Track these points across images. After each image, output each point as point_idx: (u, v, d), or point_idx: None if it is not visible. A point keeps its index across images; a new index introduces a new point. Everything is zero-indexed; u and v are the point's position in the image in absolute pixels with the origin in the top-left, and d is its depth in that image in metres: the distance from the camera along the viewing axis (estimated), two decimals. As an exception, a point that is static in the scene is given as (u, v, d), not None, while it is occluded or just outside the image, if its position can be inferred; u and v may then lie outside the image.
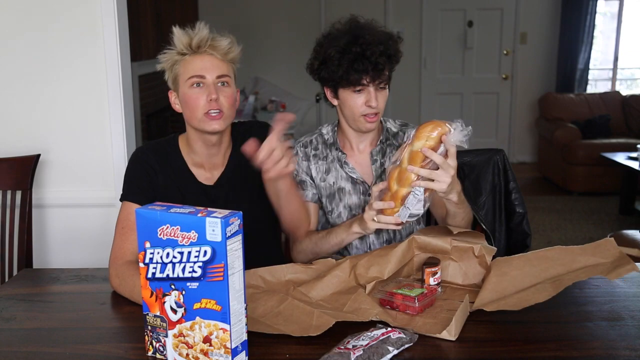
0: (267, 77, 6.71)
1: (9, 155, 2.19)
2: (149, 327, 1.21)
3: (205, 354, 1.15)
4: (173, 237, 1.13)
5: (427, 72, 6.81)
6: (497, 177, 2.03)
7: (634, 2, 6.77)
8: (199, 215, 1.10)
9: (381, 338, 1.18)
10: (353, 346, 1.14)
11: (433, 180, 1.42)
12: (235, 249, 1.11)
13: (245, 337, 1.16)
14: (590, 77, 6.69)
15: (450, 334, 1.23)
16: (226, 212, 1.11)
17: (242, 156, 1.68)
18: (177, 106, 1.67)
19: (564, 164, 5.73)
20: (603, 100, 6.27)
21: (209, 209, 1.14)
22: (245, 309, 1.16)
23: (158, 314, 1.19)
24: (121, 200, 1.65)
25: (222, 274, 1.10)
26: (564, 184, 5.76)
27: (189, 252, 1.12)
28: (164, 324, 1.18)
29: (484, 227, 1.84)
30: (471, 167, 2.03)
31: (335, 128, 1.85)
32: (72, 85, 2.32)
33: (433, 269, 1.44)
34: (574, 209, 5.23)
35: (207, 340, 1.14)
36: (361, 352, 1.13)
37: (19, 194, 2.13)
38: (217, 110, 1.58)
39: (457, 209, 1.60)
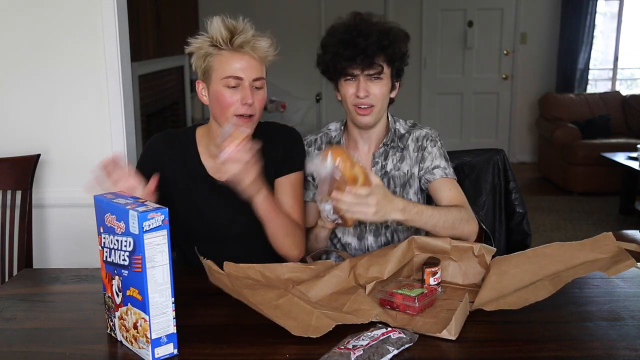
0: (267, 77, 6.70)
1: (9, 155, 2.19)
2: (106, 306, 1.27)
3: (135, 339, 1.19)
4: (112, 225, 1.18)
5: (427, 72, 6.81)
6: (497, 177, 2.03)
7: (634, 2, 6.77)
8: (128, 207, 1.13)
9: (381, 338, 1.18)
10: (353, 346, 1.15)
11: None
12: (156, 244, 1.13)
13: (172, 330, 1.18)
14: (590, 77, 6.69)
15: (450, 333, 1.23)
16: (154, 206, 1.14)
17: (260, 156, 1.68)
18: (204, 98, 1.63)
19: (564, 164, 5.72)
20: (603, 100, 6.27)
21: (140, 201, 1.17)
22: (173, 303, 1.17)
23: (109, 295, 1.25)
24: None
25: (140, 265, 1.13)
26: (564, 184, 5.76)
27: (121, 241, 1.16)
28: (113, 306, 1.24)
29: (484, 227, 1.84)
30: (471, 167, 2.03)
31: (343, 127, 1.85)
32: (72, 85, 2.32)
33: (433, 269, 1.44)
34: (574, 209, 5.23)
35: (135, 327, 1.18)
36: (361, 352, 1.13)
37: (19, 194, 2.13)
38: (249, 115, 1.55)
39: (421, 224, 1.54)
